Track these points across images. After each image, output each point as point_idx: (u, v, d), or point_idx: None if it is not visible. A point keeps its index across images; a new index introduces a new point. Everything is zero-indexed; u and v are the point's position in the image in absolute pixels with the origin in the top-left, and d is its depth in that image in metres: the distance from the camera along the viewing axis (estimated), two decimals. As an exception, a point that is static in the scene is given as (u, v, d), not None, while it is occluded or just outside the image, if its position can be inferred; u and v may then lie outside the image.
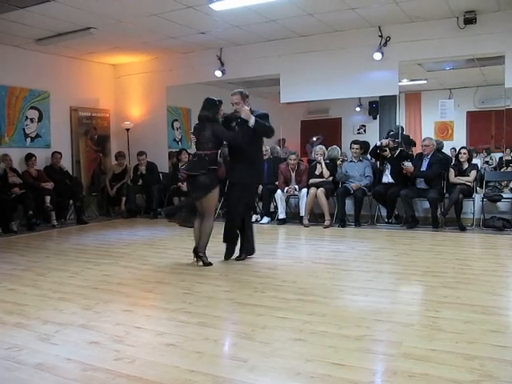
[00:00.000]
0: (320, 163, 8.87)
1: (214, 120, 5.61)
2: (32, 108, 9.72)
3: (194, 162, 5.68)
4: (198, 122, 5.75)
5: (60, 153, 9.72)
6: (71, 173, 10.23)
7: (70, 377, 2.74)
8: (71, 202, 9.65)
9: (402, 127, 9.18)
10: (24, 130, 9.59)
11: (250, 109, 5.69)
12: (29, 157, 9.12)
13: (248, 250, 5.96)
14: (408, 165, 8.11)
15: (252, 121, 5.56)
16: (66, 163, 10.11)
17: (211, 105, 5.65)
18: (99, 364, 2.88)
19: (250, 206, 6.18)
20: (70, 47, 9.52)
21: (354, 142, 8.97)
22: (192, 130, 5.88)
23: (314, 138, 12.21)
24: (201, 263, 5.58)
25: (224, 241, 5.91)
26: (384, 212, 8.63)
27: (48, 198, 8.79)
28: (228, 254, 5.90)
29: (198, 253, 5.61)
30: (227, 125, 5.78)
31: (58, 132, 10.25)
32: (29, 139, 9.68)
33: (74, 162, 10.64)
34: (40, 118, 9.89)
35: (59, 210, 9.33)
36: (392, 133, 8.80)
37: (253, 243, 6.00)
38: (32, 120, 9.75)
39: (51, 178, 9.20)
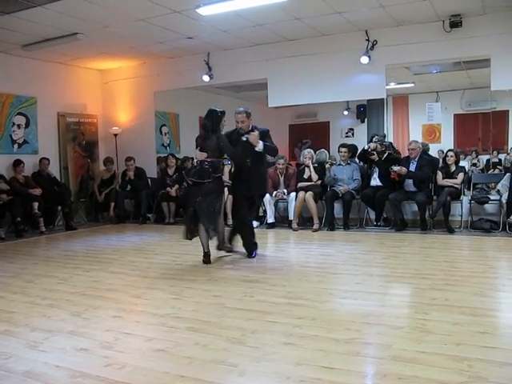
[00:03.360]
0: (308, 167, 8.88)
1: (217, 130, 5.92)
2: (19, 114, 9.67)
3: (201, 169, 5.84)
4: (202, 131, 6.09)
5: (48, 159, 9.66)
6: (59, 179, 10.18)
7: (58, 384, 2.73)
8: (59, 208, 9.61)
9: (385, 134, 9.20)
10: (11, 136, 9.54)
11: (253, 127, 6.03)
12: (17, 163, 9.04)
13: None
14: (397, 169, 8.11)
15: (260, 146, 5.88)
16: (54, 169, 10.07)
17: (214, 115, 5.91)
18: (88, 371, 2.87)
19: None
20: (57, 53, 9.49)
21: (342, 146, 8.99)
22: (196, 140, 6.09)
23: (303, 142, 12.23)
24: (225, 253, 6.28)
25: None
26: (373, 215, 8.65)
27: (36, 205, 8.73)
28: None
29: (220, 247, 6.24)
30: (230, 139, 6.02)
31: (46, 138, 10.20)
32: (16, 145, 9.63)
33: (62, 168, 10.60)
34: (27, 124, 9.84)
35: (47, 217, 9.30)
36: (376, 137, 8.80)
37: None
38: (19, 126, 9.69)
39: (39, 185, 9.14)
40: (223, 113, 5.95)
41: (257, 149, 5.87)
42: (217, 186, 5.89)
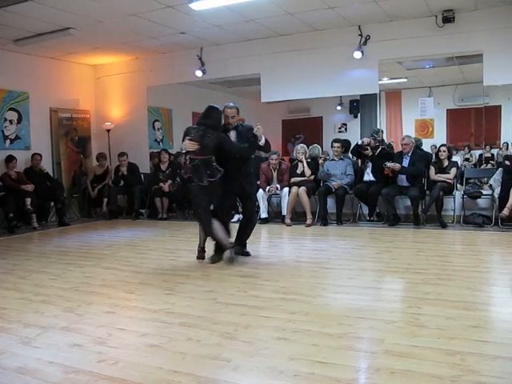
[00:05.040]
0: (302, 162, 8.89)
1: (219, 129, 5.63)
2: (11, 109, 9.60)
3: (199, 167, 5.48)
4: (197, 126, 5.60)
5: (40, 154, 9.60)
6: (52, 174, 10.12)
7: (52, 380, 2.72)
8: (52, 203, 9.57)
9: (382, 130, 9.24)
10: (3, 131, 9.48)
11: (239, 125, 5.88)
12: (9, 159, 8.98)
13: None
14: (390, 165, 8.12)
15: (263, 140, 5.81)
16: (47, 165, 10.00)
17: (218, 113, 5.66)
18: (82, 366, 2.86)
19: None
20: (50, 48, 9.43)
21: (336, 141, 8.99)
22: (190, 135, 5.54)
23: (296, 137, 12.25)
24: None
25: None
26: (366, 210, 8.66)
27: (28, 200, 8.68)
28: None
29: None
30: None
31: (38, 133, 10.14)
32: (8, 141, 9.57)
33: (55, 163, 10.55)
34: (19, 120, 9.78)
35: (40, 212, 9.25)
36: (374, 135, 8.82)
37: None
38: (11, 122, 9.63)
39: (31, 180, 9.09)
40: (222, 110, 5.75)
41: (260, 143, 5.76)
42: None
